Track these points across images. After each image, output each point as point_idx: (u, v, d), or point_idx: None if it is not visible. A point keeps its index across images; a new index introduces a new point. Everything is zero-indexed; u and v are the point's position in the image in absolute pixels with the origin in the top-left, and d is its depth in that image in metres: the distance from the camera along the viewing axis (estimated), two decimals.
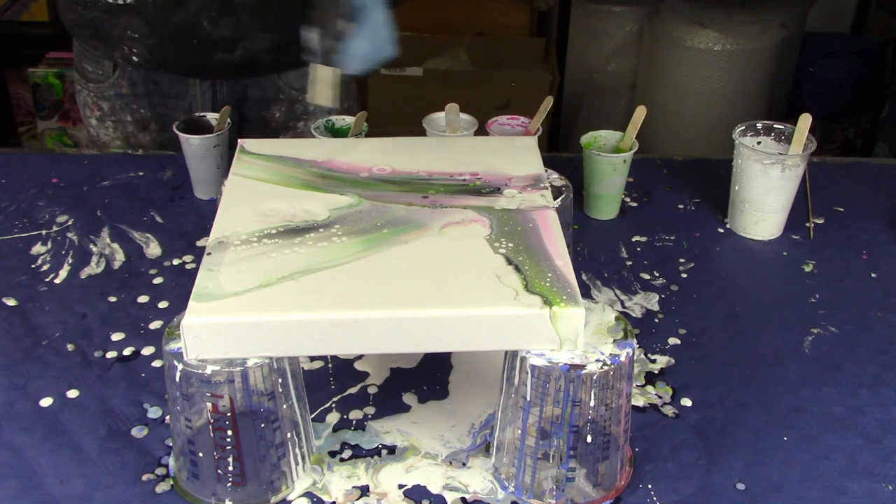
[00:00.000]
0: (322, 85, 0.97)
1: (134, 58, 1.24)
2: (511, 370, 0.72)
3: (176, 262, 1.07)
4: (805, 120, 1.08)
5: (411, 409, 0.85)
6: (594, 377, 0.69)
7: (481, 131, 1.17)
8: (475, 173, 0.87)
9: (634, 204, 1.21)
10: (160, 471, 0.78)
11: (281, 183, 0.85)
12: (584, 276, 1.05)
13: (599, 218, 1.17)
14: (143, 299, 1.00)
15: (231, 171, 0.87)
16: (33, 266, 1.05)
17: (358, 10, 0.97)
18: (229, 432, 0.71)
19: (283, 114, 1.35)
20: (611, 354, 0.70)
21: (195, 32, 1.19)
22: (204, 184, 1.19)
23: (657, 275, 1.06)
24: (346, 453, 0.80)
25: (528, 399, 0.71)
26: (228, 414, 0.70)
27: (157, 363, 0.90)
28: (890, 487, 0.77)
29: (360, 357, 0.91)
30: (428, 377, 0.89)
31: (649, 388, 0.88)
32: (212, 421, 0.71)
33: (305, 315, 0.68)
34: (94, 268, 1.05)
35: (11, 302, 0.99)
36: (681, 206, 1.20)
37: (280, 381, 0.72)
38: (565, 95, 2.64)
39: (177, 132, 1.15)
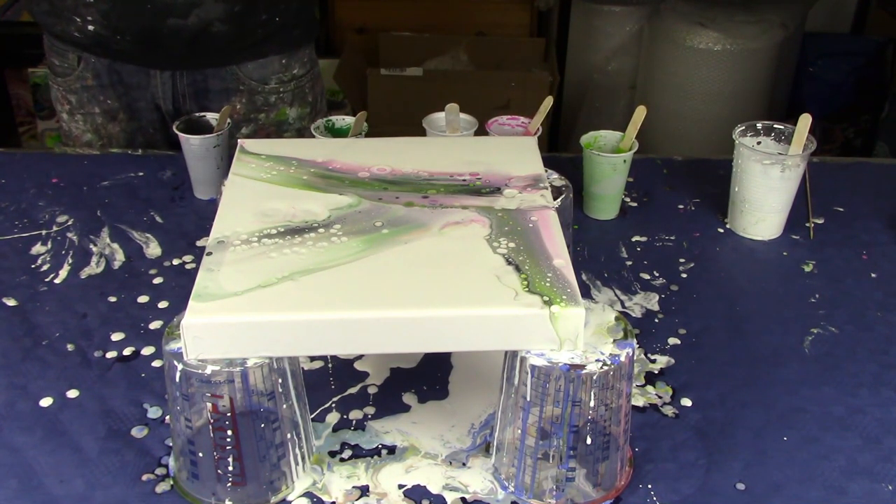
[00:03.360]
0: None
1: (89, 26, 1.23)
2: (511, 370, 0.72)
3: (176, 262, 1.07)
4: (805, 120, 1.08)
5: (411, 409, 0.85)
6: (594, 377, 0.69)
7: (481, 131, 1.17)
8: (475, 173, 0.87)
9: (634, 204, 1.21)
10: (160, 471, 0.78)
11: (281, 183, 0.85)
12: (584, 276, 1.05)
13: (599, 218, 1.17)
14: (143, 299, 1.00)
15: (231, 171, 0.87)
16: (33, 266, 1.05)
17: None
18: (229, 432, 0.71)
19: (244, 105, 1.35)
20: (611, 354, 0.70)
21: None
22: (204, 184, 1.19)
23: (657, 275, 1.06)
24: (346, 453, 0.80)
25: (528, 399, 0.71)
26: (228, 414, 0.70)
27: (157, 363, 0.90)
28: (890, 487, 0.77)
29: (360, 357, 0.91)
30: (428, 377, 0.89)
31: (649, 388, 0.88)
32: (212, 421, 0.71)
33: (305, 315, 0.68)
34: (94, 268, 1.05)
35: (11, 302, 0.99)
36: (681, 206, 1.20)
37: (280, 381, 0.72)
38: (565, 95, 2.64)
39: (177, 132, 1.15)
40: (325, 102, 1.49)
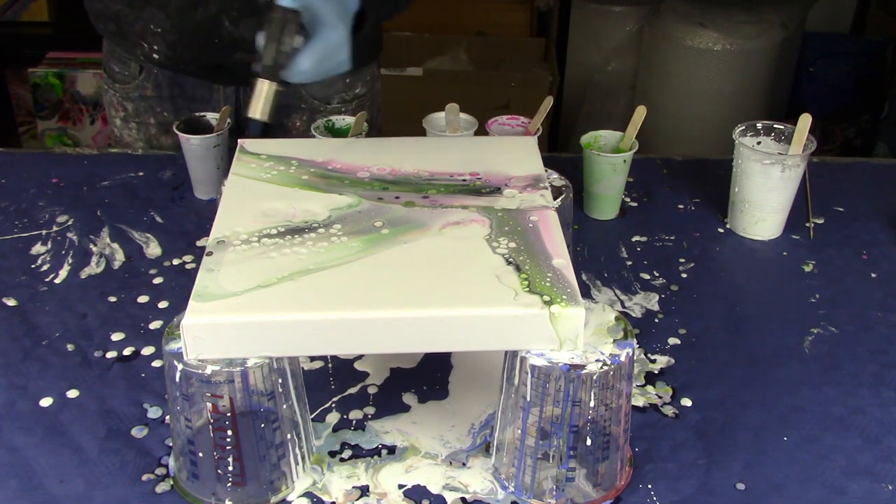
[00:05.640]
0: (257, 99, 0.92)
1: (154, 55, 1.23)
2: (511, 370, 0.72)
3: (176, 262, 1.07)
4: (805, 120, 1.08)
5: (411, 409, 0.85)
6: (594, 377, 0.69)
7: (481, 131, 1.17)
8: (475, 173, 0.87)
9: (634, 204, 1.21)
10: (160, 471, 0.78)
11: (281, 183, 0.85)
12: (584, 276, 1.05)
13: (599, 218, 1.17)
14: (143, 299, 1.00)
15: (231, 171, 0.87)
16: (33, 266, 1.05)
17: (316, 25, 0.92)
18: (229, 432, 0.71)
19: (304, 123, 1.35)
20: (611, 354, 0.70)
21: (216, 31, 1.19)
22: (204, 184, 1.19)
23: (657, 275, 1.06)
24: (346, 453, 0.80)
25: (528, 399, 0.71)
26: (228, 414, 0.70)
27: (157, 363, 0.90)
28: (890, 487, 0.77)
29: (360, 357, 0.91)
30: (428, 377, 0.89)
31: (649, 388, 0.88)
32: (212, 421, 0.71)
33: (305, 315, 0.68)
34: (94, 268, 1.05)
35: (11, 302, 0.99)
36: (681, 206, 1.20)
37: (280, 381, 0.72)
38: (565, 95, 2.64)
39: (177, 132, 1.15)
40: (381, 118, 1.48)
